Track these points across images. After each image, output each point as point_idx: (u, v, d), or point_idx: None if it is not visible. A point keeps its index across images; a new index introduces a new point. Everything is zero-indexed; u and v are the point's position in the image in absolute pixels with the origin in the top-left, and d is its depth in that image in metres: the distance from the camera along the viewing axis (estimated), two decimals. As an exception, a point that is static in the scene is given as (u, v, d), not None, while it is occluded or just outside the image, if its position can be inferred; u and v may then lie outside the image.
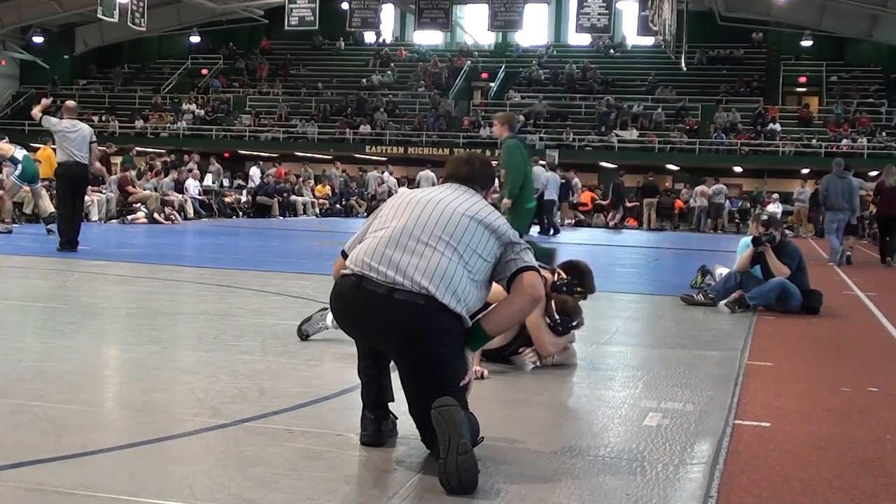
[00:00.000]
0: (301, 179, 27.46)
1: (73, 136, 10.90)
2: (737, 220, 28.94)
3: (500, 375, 4.60)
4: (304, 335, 5.29)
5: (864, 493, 3.01)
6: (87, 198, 18.42)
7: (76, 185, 11.21)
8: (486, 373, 4.43)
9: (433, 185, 24.06)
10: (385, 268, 3.12)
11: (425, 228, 3.18)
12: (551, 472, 3.05)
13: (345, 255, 3.31)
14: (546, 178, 20.93)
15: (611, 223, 26.87)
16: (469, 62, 38.52)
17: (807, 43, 34.86)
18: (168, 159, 24.27)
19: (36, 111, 11.36)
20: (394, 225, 3.23)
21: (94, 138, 11.31)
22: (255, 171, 27.43)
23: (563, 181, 23.99)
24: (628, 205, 27.80)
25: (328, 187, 28.64)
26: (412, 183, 27.53)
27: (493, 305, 3.31)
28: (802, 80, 36.04)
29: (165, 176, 21.31)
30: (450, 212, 3.22)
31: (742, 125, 32.42)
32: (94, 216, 18.23)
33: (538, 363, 4.88)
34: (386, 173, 29.03)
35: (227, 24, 38.63)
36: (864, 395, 4.62)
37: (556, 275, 4.87)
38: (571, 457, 3.24)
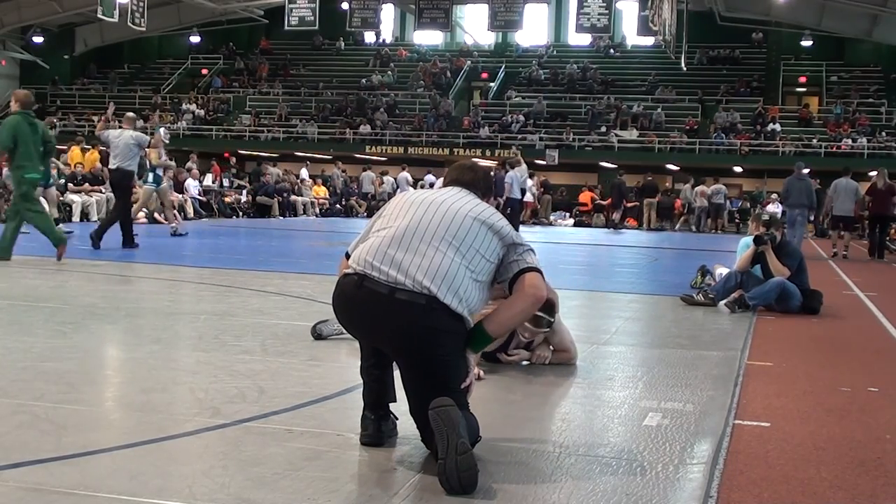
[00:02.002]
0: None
1: (115, 143, 11.85)
2: (737, 221, 28.94)
3: (499, 375, 4.60)
4: (317, 335, 5.27)
5: (864, 493, 3.01)
6: (86, 197, 18.51)
7: (116, 189, 12.31)
8: (481, 373, 4.43)
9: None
10: (387, 267, 3.12)
11: (428, 229, 3.18)
12: (551, 472, 3.05)
13: (348, 257, 3.31)
14: (510, 178, 20.53)
15: (615, 220, 26.74)
16: (469, 62, 38.52)
17: (807, 43, 34.86)
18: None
19: (100, 127, 12.83)
20: (397, 225, 3.23)
21: (144, 143, 12.37)
22: (304, 172, 27.84)
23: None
24: (628, 205, 27.79)
25: (324, 188, 28.63)
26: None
27: (495, 307, 3.31)
28: (802, 80, 36.06)
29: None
30: (453, 212, 3.22)
31: (742, 125, 32.43)
32: (94, 216, 18.26)
33: (531, 361, 4.88)
34: (405, 173, 28.43)
35: (227, 24, 38.63)
36: (864, 395, 4.62)
37: None
38: (571, 457, 3.24)
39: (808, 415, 4.09)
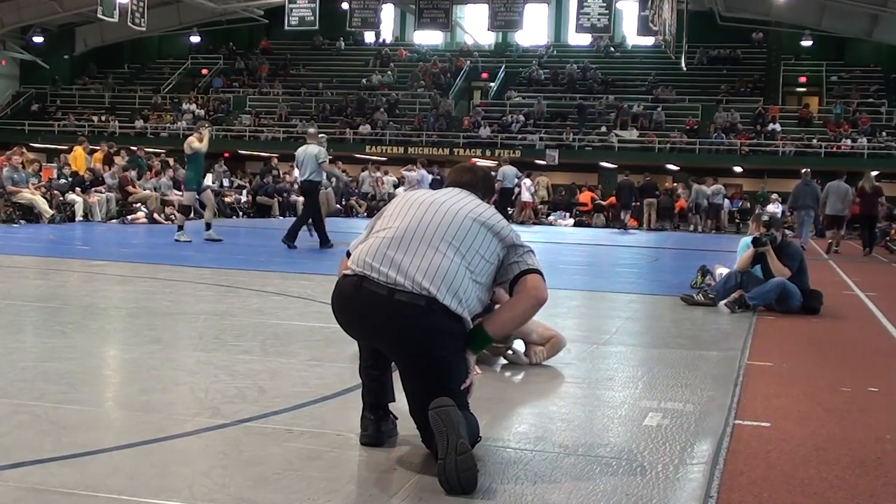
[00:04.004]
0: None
1: (300, 158, 12.83)
2: (737, 221, 28.92)
3: (498, 376, 4.60)
4: None
5: (864, 493, 3.00)
6: (90, 198, 18.49)
7: (306, 197, 13.42)
8: (477, 369, 4.41)
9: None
10: (386, 268, 3.11)
11: (428, 229, 3.18)
12: (551, 472, 3.05)
13: (350, 256, 3.31)
14: (502, 173, 21.80)
15: (624, 220, 26.55)
16: (469, 62, 38.52)
17: (807, 43, 34.86)
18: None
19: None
20: (396, 225, 3.23)
21: (323, 157, 12.71)
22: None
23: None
24: (634, 204, 27.71)
25: None
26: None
27: (497, 308, 3.31)
28: (802, 80, 36.05)
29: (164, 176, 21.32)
30: (452, 213, 3.22)
31: (742, 125, 32.42)
32: (98, 216, 18.31)
33: (530, 362, 4.88)
34: (415, 172, 27.94)
35: (227, 24, 38.63)
36: (864, 395, 4.62)
37: None
38: (571, 457, 3.24)
39: (808, 415, 4.09)
